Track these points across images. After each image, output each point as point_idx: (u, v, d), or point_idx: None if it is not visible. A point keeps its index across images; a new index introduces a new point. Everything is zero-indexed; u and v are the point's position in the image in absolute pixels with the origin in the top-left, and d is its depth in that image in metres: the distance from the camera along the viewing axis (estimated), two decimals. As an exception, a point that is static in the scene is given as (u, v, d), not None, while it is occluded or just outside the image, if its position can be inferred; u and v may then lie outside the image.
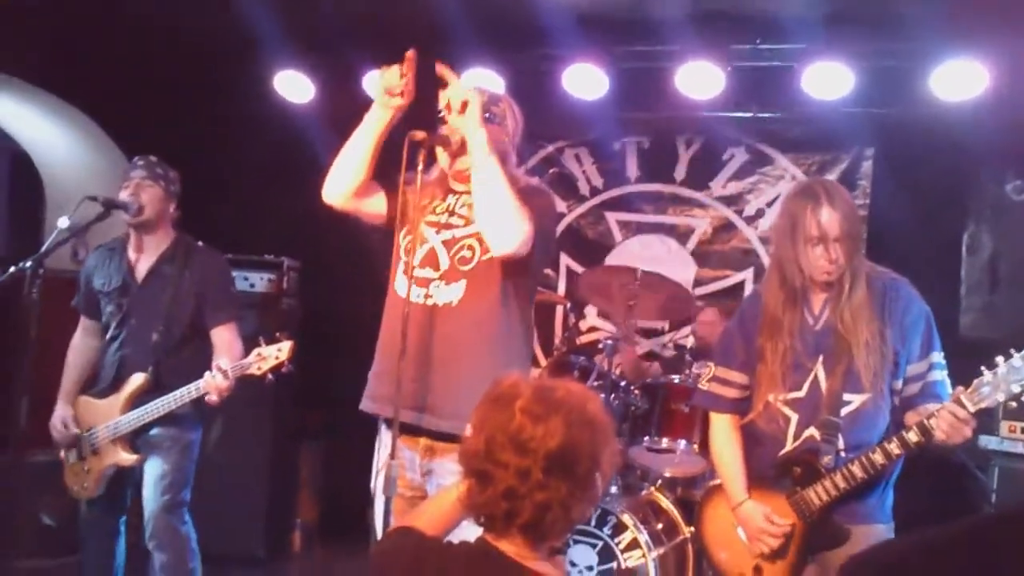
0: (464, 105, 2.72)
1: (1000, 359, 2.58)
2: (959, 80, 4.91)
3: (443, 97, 2.77)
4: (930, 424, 2.63)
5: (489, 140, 2.72)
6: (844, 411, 2.85)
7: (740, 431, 3.10)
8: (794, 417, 2.91)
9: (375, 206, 2.98)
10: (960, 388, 2.63)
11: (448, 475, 2.68)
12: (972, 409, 2.59)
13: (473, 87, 2.79)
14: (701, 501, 3.32)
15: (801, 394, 2.90)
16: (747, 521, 2.99)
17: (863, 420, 2.85)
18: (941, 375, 2.86)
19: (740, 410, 3.10)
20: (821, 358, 2.88)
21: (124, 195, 3.79)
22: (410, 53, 2.84)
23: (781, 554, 2.93)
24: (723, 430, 3.13)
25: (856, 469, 2.76)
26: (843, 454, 2.85)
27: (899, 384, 2.87)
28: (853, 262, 2.84)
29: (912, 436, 2.68)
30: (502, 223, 2.70)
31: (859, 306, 2.84)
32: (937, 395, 2.83)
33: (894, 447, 2.71)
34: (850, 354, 2.82)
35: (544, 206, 2.89)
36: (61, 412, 3.88)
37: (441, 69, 2.76)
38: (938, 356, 2.87)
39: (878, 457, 2.73)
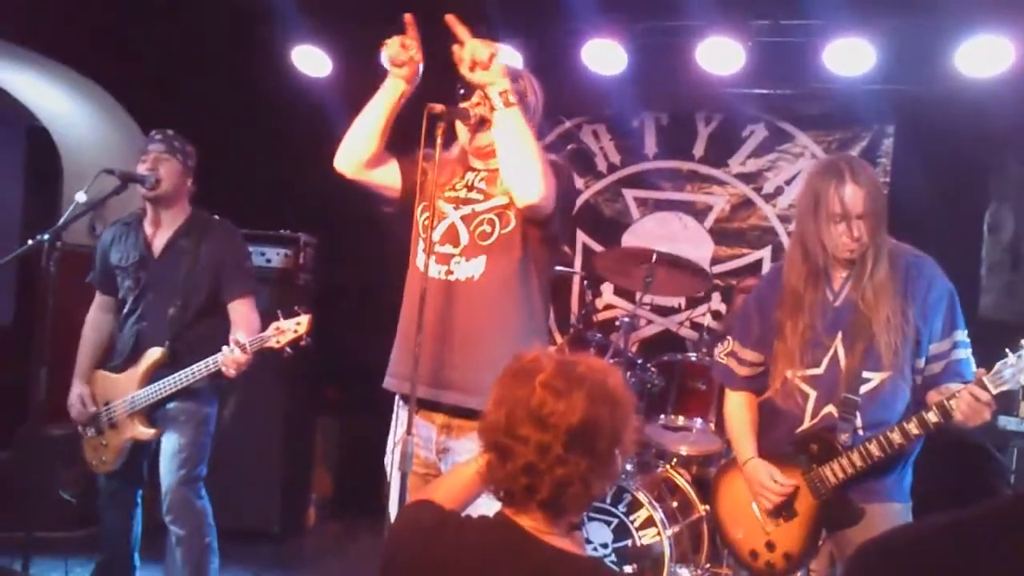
0: (491, 57, 2.64)
1: None
2: (984, 56, 4.83)
3: (462, 53, 2.66)
4: (950, 405, 2.61)
5: (513, 91, 2.69)
6: (863, 389, 2.83)
7: (758, 408, 3.11)
8: (812, 394, 2.91)
9: (388, 178, 2.96)
10: (982, 370, 2.61)
11: (466, 454, 2.67)
12: (994, 392, 2.57)
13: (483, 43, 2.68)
14: (715, 478, 3.33)
15: (820, 371, 2.90)
16: (752, 477, 3.01)
17: (882, 398, 2.84)
18: (965, 354, 2.84)
19: (752, 388, 3.12)
20: (840, 335, 2.87)
21: (142, 168, 3.79)
22: (408, 17, 2.82)
23: (793, 529, 2.95)
24: (735, 400, 3.18)
25: (873, 448, 2.75)
26: (861, 432, 2.84)
27: (921, 363, 2.85)
28: (876, 239, 2.82)
29: (931, 416, 2.66)
30: (528, 172, 2.68)
31: (881, 284, 2.82)
32: (960, 374, 2.81)
33: (912, 427, 2.69)
34: (870, 332, 2.81)
35: (565, 181, 2.88)
36: (78, 390, 3.90)
37: (454, 25, 2.68)
38: (961, 335, 2.85)
39: (896, 436, 2.72)
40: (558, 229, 2.90)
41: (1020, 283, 4.97)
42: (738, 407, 3.16)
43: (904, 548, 0.85)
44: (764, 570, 3.01)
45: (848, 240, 2.80)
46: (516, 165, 2.70)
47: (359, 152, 2.90)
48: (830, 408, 2.88)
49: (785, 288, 2.97)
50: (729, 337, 3.22)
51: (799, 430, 2.93)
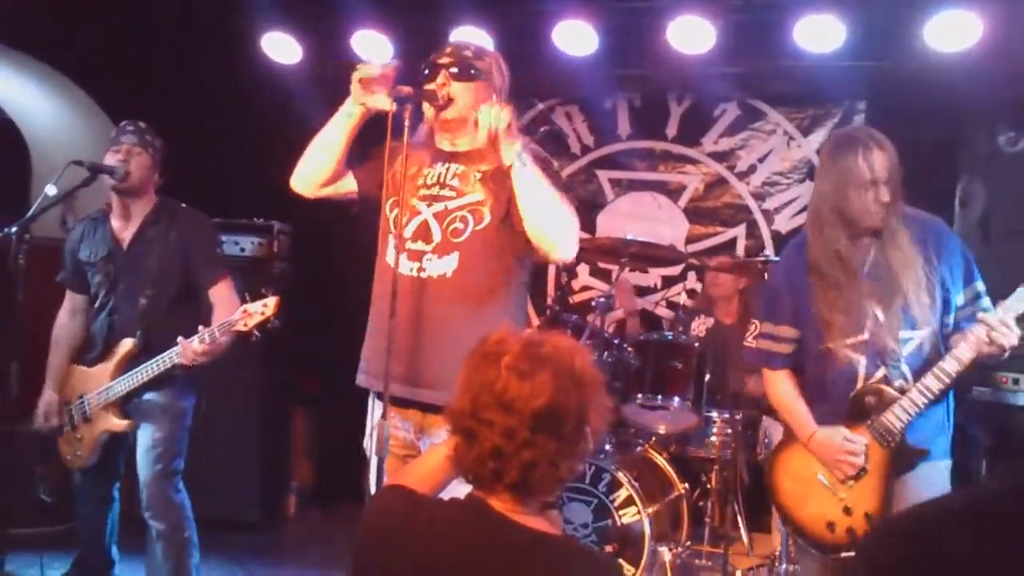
0: (509, 125, 2.65)
1: None
2: (953, 31, 4.85)
3: (479, 124, 2.68)
4: (990, 322, 2.75)
5: (531, 156, 2.70)
6: (906, 348, 2.92)
7: (809, 382, 3.12)
8: (861, 360, 2.96)
9: (344, 188, 2.97)
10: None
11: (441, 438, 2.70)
12: (1016, 314, 2.75)
13: (498, 106, 2.68)
14: (770, 465, 3.23)
15: (864, 336, 2.94)
16: (823, 447, 3.00)
17: (924, 355, 2.91)
18: (988, 301, 2.94)
19: (791, 364, 3.14)
20: (876, 300, 2.92)
21: (112, 159, 3.75)
22: (394, 63, 2.84)
23: (868, 486, 2.94)
24: (779, 381, 3.17)
25: (930, 382, 2.84)
26: (909, 382, 2.91)
27: (950, 317, 2.95)
28: (898, 203, 2.91)
29: (979, 332, 2.76)
30: (564, 237, 2.75)
31: (906, 246, 2.89)
32: None
33: (963, 352, 2.79)
34: (903, 293, 2.88)
35: (551, 172, 2.87)
36: (47, 397, 3.89)
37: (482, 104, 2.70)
38: (981, 285, 2.96)
39: (951, 365, 2.81)
40: None
41: (991, 257, 4.99)
42: (785, 386, 3.15)
43: (921, 528, 0.84)
44: (845, 539, 2.96)
45: (876, 206, 2.87)
46: (548, 225, 2.73)
47: (317, 176, 2.93)
48: (882, 371, 2.93)
49: (812, 263, 3.01)
50: (755, 321, 3.21)
51: (853, 393, 2.97)
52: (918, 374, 2.89)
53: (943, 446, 2.97)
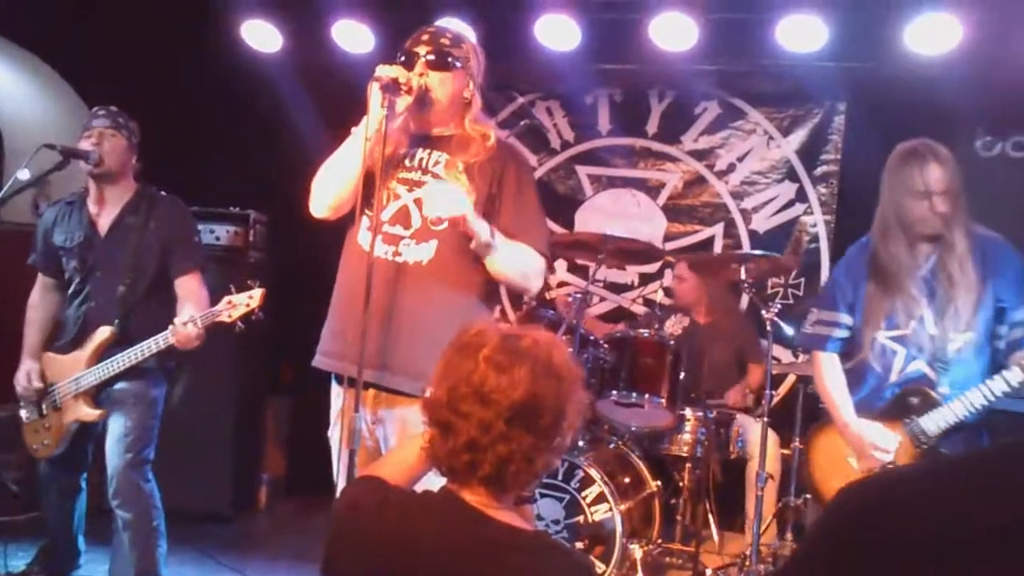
0: (463, 219, 2.66)
1: None
2: (933, 34, 4.88)
3: (424, 212, 2.73)
4: None
5: (489, 231, 2.73)
6: (949, 350, 3.11)
7: (850, 370, 3.34)
8: (901, 351, 3.18)
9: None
10: None
11: (395, 422, 2.73)
12: None
13: (452, 203, 2.66)
14: (810, 438, 3.51)
15: (907, 331, 3.16)
16: (858, 437, 3.21)
17: (965, 359, 3.11)
18: None
19: (843, 349, 3.37)
20: (927, 301, 3.14)
21: (86, 144, 3.70)
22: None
23: None
24: (828, 365, 3.39)
25: (975, 397, 3.02)
26: (948, 391, 3.10)
27: (1004, 329, 3.12)
28: (957, 215, 3.11)
29: None
30: (531, 283, 2.91)
31: (962, 255, 3.09)
32: None
33: (1014, 376, 2.96)
34: (954, 298, 3.07)
35: (529, 174, 2.98)
36: (27, 366, 3.82)
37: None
38: None
39: (999, 385, 2.99)
40: None
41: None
42: (832, 370, 3.37)
43: (906, 487, 0.82)
44: None
45: (931, 215, 3.09)
46: (517, 279, 2.89)
47: (339, 199, 2.84)
48: (918, 364, 3.15)
49: (874, 261, 3.23)
50: (814, 308, 3.48)
51: (890, 382, 3.20)
52: (959, 378, 3.09)
53: None
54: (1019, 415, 4.13)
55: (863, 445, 3.19)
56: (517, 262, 2.82)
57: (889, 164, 3.29)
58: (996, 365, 3.11)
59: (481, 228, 2.69)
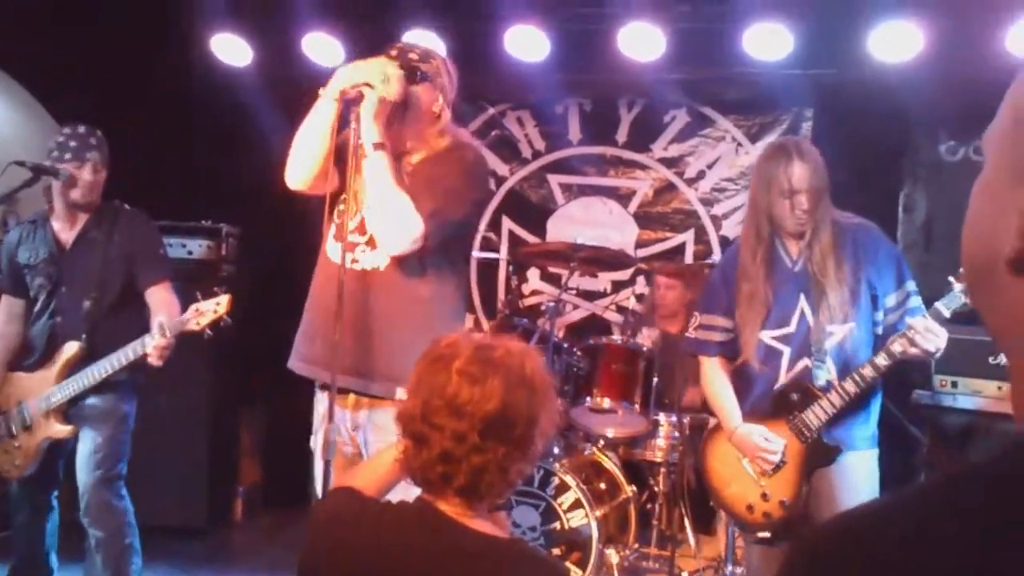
0: (359, 95, 2.66)
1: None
2: (896, 41, 4.95)
3: (340, 81, 2.71)
4: (910, 334, 2.92)
5: (382, 135, 2.69)
6: (828, 342, 3.13)
7: (735, 372, 3.34)
8: (786, 350, 3.20)
9: (333, 182, 2.90)
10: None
11: (375, 430, 2.74)
12: (947, 314, 2.91)
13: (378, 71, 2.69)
14: (703, 444, 3.49)
15: (791, 329, 3.19)
16: (744, 442, 3.23)
17: (846, 349, 3.14)
18: (917, 301, 3.14)
19: (726, 352, 3.37)
20: (803, 296, 3.17)
21: (80, 173, 3.68)
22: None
23: (785, 477, 3.17)
24: (712, 370, 3.40)
25: (848, 385, 3.05)
26: (834, 382, 3.12)
27: (880, 315, 3.16)
28: (819, 211, 3.13)
29: (896, 347, 2.96)
30: (389, 226, 2.72)
31: (827, 248, 3.13)
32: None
33: (880, 359, 3.00)
34: (826, 292, 3.10)
35: (468, 165, 2.87)
36: None
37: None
38: (912, 285, 3.16)
39: (867, 371, 3.02)
40: (463, 222, 2.91)
41: (933, 262, 5.09)
42: (716, 376, 3.38)
43: (863, 529, 0.75)
44: (762, 521, 3.22)
45: (797, 212, 3.12)
46: (378, 219, 2.74)
47: (310, 173, 2.85)
48: (805, 361, 3.16)
49: (741, 261, 3.26)
50: (696, 313, 3.47)
51: (777, 385, 3.20)
52: (839, 368, 3.13)
53: (863, 436, 3.19)
54: (966, 412, 4.21)
55: (751, 448, 3.21)
56: (386, 201, 2.69)
57: (757, 162, 3.34)
58: (878, 352, 3.12)
59: (370, 129, 2.67)
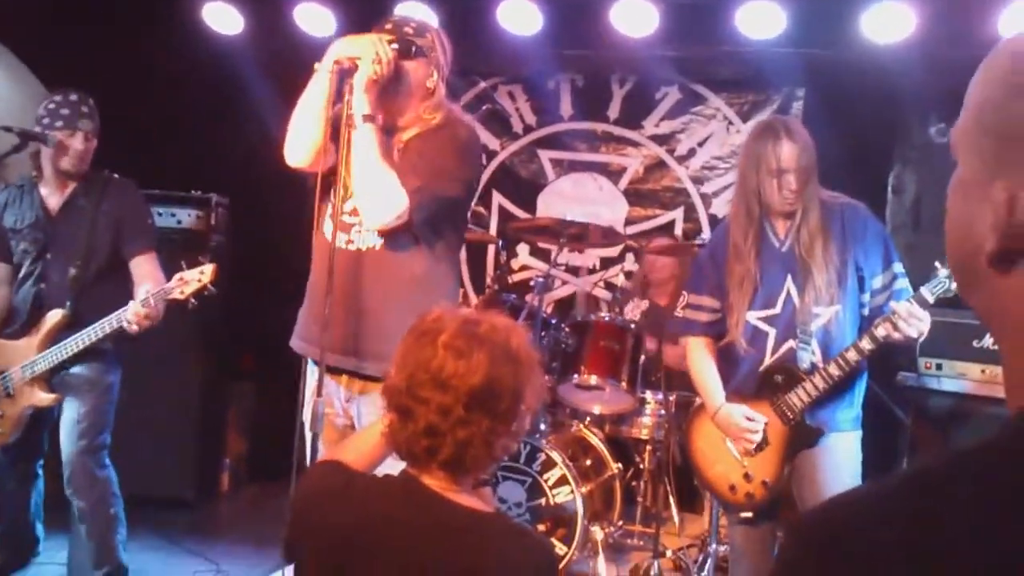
0: (354, 66, 2.65)
1: None
2: (888, 22, 4.93)
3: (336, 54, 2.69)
4: (894, 318, 2.91)
5: (373, 108, 2.68)
6: (814, 324, 3.11)
7: (721, 352, 3.33)
8: (771, 332, 3.18)
9: (332, 159, 2.86)
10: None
11: (369, 406, 2.74)
12: (931, 300, 2.92)
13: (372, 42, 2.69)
14: (688, 424, 3.48)
15: (776, 310, 3.18)
16: (727, 422, 3.23)
17: (833, 331, 3.13)
18: (904, 283, 3.13)
19: (712, 332, 3.34)
20: (790, 277, 3.15)
21: (65, 138, 3.65)
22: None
23: (767, 457, 3.18)
24: (697, 350, 3.38)
25: (832, 368, 3.04)
26: (820, 364, 3.11)
27: (867, 297, 3.15)
28: (807, 191, 3.11)
29: (879, 331, 2.95)
30: (372, 199, 2.71)
31: (814, 229, 3.11)
32: (901, 300, 3.06)
33: (865, 343, 2.99)
34: (812, 273, 3.09)
35: (460, 143, 2.86)
36: None
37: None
38: (899, 267, 3.15)
39: (851, 354, 3.02)
40: (461, 200, 2.91)
41: (921, 244, 5.10)
42: (701, 356, 3.36)
43: (854, 512, 0.76)
44: (744, 501, 3.24)
45: (785, 192, 3.10)
46: (363, 192, 2.72)
47: (306, 151, 2.83)
48: (790, 343, 3.15)
49: (731, 240, 3.23)
50: (684, 292, 3.45)
51: (762, 367, 3.19)
52: (824, 349, 3.12)
53: (847, 418, 3.19)
54: (950, 394, 4.24)
55: (732, 428, 3.21)
56: (371, 174, 2.68)
57: (746, 141, 3.32)
58: (864, 333, 3.13)
59: (361, 100, 2.67)
